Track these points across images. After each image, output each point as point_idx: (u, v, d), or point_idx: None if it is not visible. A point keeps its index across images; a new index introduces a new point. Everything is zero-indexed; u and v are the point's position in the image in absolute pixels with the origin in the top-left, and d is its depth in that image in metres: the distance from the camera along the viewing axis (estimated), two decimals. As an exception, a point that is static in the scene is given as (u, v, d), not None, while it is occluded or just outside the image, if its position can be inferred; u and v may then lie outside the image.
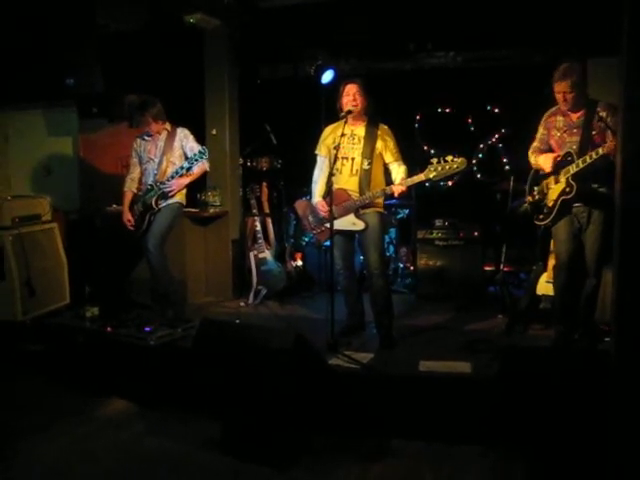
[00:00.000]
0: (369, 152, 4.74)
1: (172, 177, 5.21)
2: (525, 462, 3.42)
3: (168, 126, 5.42)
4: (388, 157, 4.80)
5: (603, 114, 4.16)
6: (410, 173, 4.67)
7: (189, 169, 5.20)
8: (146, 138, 5.46)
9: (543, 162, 4.47)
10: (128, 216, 5.44)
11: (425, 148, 7.09)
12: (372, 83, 4.90)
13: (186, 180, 5.32)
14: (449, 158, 4.44)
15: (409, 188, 4.72)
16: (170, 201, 5.35)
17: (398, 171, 4.75)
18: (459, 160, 4.43)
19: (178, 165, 5.28)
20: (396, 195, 4.69)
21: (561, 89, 4.25)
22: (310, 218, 5.07)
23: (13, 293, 5.31)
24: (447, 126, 7.20)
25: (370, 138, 4.77)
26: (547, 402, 3.35)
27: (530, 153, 4.62)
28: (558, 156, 4.36)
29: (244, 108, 6.90)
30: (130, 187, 5.53)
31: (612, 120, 4.01)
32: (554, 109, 4.48)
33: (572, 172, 4.22)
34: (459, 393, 3.99)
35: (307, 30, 6.90)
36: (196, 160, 5.10)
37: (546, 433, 3.31)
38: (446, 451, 3.67)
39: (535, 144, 4.60)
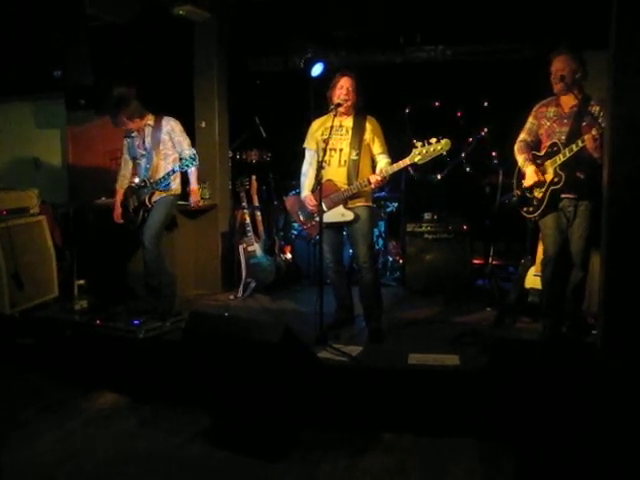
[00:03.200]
0: (357, 143, 4.74)
1: (164, 178, 5.18)
2: (514, 454, 3.44)
3: (150, 120, 5.34)
4: (376, 148, 4.80)
5: (596, 109, 4.18)
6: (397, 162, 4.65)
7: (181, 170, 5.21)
8: (132, 135, 5.41)
9: (529, 175, 4.43)
10: (118, 212, 5.43)
11: (414, 141, 7.09)
12: (362, 76, 4.90)
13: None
14: (433, 140, 4.44)
15: (399, 181, 4.72)
16: (165, 194, 5.33)
17: (385, 162, 4.74)
18: (443, 142, 4.44)
19: (171, 156, 5.30)
20: (373, 186, 4.69)
21: (556, 67, 4.26)
22: (300, 213, 5.07)
23: (1, 286, 5.28)
24: (437, 120, 7.19)
25: (358, 129, 4.77)
26: (535, 394, 3.37)
27: (516, 149, 4.60)
28: (540, 172, 4.37)
29: (233, 100, 6.87)
30: (122, 185, 5.49)
31: (605, 115, 4.02)
32: (546, 101, 4.49)
33: (559, 162, 4.25)
34: (448, 386, 4.01)
35: (297, 22, 6.88)
36: (187, 166, 5.07)
37: (535, 425, 3.33)
38: (435, 444, 3.69)
39: (523, 135, 4.60)
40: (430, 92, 7.40)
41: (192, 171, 5.30)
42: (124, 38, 6.60)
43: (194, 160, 5.04)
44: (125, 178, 5.51)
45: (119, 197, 5.48)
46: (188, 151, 5.26)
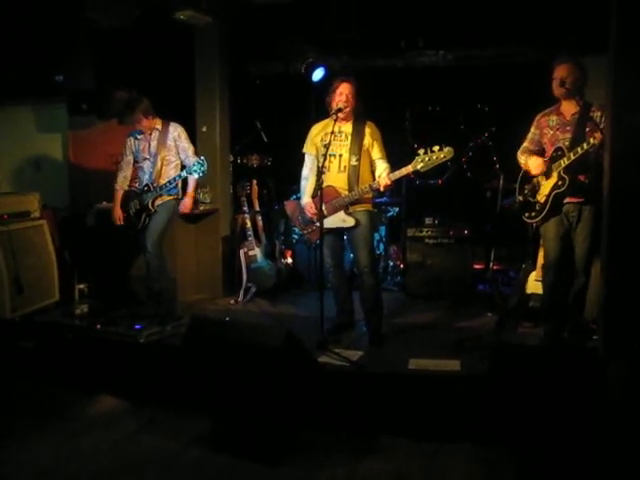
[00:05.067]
0: (357, 148, 4.73)
1: (170, 183, 5.21)
2: (515, 459, 3.43)
3: (159, 124, 5.39)
4: (375, 153, 4.79)
5: (597, 114, 4.19)
6: (399, 169, 4.65)
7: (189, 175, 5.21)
8: (138, 137, 5.43)
9: (533, 165, 4.45)
10: (119, 213, 5.43)
11: (415, 146, 7.10)
12: (363, 81, 4.90)
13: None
14: (436, 148, 4.42)
15: (399, 186, 4.71)
16: (166, 198, 5.34)
17: (383, 167, 4.74)
18: (446, 150, 4.42)
19: (174, 162, 5.34)
20: (382, 189, 4.68)
21: (560, 73, 4.26)
22: (300, 218, 5.06)
23: (2, 290, 5.27)
24: (437, 124, 7.20)
25: (357, 134, 4.76)
26: (536, 400, 3.36)
27: (519, 153, 4.61)
28: (547, 161, 4.37)
29: (234, 105, 6.88)
30: (122, 185, 5.50)
31: (605, 121, 4.02)
32: (547, 110, 4.50)
33: (563, 165, 4.24)
34: (449, 391, 4.00)
35: (298, 27, 6.89)
36: (195, 172, 5.08)
37: (535, 431, 3.33)
38: (435, 449, 3.67)
39: (525, 144, 4.61)
40: (431, 97, 7.41)
41: (193, 178, 5.30)
42: (125, 43, 6.60)
43: (202, 166, 5.05)
44: (127, 180, 5.51)
45: (119, 197, 5.48)
46: (193, 158, 5.28)
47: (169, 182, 5.23)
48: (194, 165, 5.08)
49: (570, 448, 3.21)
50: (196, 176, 5.17)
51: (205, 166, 5.08)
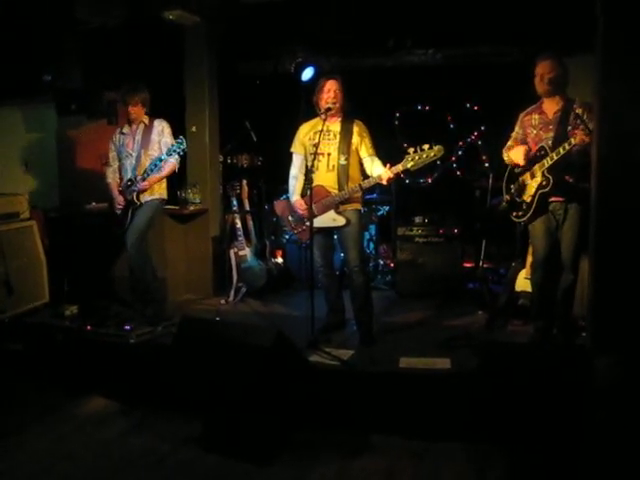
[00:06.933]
0: (345, 147, 4.73)
1: (151, 170, 5.16)
2: (505, 457, 3.45)
3: (146, 119, 5.38)
4: (365, 151, 4.80)
5: (579, 111, 4.21)
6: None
7: (169, 158, 5.16)
8: (124, 132, 5.42)
9: (515, 155, 4.48)
10: (119, 199, 5.34)
11: (405, 145, 7.11)
12: (352, 80, 4.90)
13: (156, 179, 5.27)
14: (425, 147, 4.44)
15: (390, 184, 4.72)
16: (150, 197, 5.31)
17: (375, 164, 4.75)
18: (436, 148, 4.43)
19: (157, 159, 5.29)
20: (385, 182, 4.64)
21: (542, 70, 4.30)
22: (290, 217, 5.06)
23: (-9, 292, 5.27)
24: (426, 124, 7.22)
25: (346, 133, 4.77)
26: (526, 397, 3.38)
27: (504, 151, 4.64)
28: (529, 150, 4.40)
29: (224, 105, 6.88)
30: (114, 177, 5.48)
31: (588, 117, 4.05)
32: (530, 108, 4.53)
33: (547, 165, 4.26)
34: (439, 389, 4.01)
35: (288, 27, 6.88)
36: (174, 151, 5.04)
37: (525, 427, 3.35)
38: (426, 447, 3.68)
39: (509, 143, 4.63)
40: (421, 96, 7.42)
41: (172, 162, 5.23)
42: (114, 42, 6.58)
43: (181, 144, 5.01)
44: (116, 173, 5.48)
45: (114, 187, 5.42)
46: (172, 142, 5.26)
47: (150, 168, 5.15)
48: (172, 146, 5.05)
49: (560, 445, 3.23)
50: (176, 156, 5.13)
51: (184, 145, 5.03)
